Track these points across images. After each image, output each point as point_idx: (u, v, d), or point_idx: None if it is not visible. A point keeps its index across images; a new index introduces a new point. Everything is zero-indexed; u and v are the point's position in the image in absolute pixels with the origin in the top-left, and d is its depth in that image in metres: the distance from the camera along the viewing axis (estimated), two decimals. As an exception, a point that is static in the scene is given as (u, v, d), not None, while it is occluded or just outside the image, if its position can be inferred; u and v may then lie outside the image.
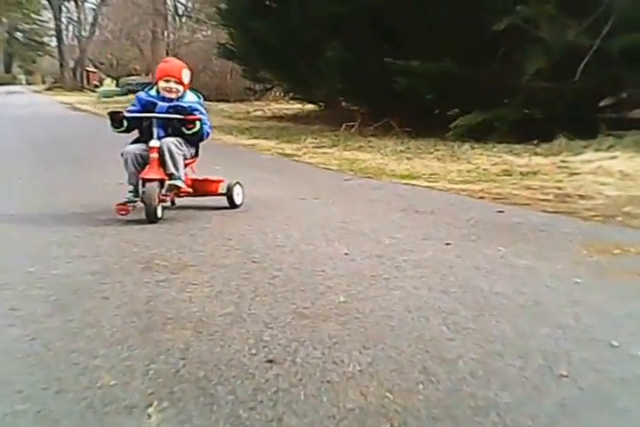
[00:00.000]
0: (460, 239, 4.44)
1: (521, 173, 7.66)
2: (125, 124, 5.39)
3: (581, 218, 5.10)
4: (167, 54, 32.25)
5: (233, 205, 5.72)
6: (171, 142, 5.23)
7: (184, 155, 5.35)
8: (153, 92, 5.50)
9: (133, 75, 39.22)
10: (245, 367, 2.48)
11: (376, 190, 6.62)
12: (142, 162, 5.25)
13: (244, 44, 17.65)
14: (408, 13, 11.49)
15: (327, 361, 2.51)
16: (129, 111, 5.44)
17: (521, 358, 2.51)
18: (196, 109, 5.38)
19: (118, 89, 34.05)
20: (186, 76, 5.48)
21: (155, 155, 5.19)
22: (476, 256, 3.99)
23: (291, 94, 20.48)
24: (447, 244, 4.31)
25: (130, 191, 5.28)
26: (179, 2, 33.93)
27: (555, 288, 3.36)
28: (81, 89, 52.83)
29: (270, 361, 2.53)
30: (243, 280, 3.58)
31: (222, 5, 18.51)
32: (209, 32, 32.46)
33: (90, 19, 57.74)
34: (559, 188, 6.53)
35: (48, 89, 57.30)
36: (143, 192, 5.11)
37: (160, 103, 5.35)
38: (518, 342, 2.67)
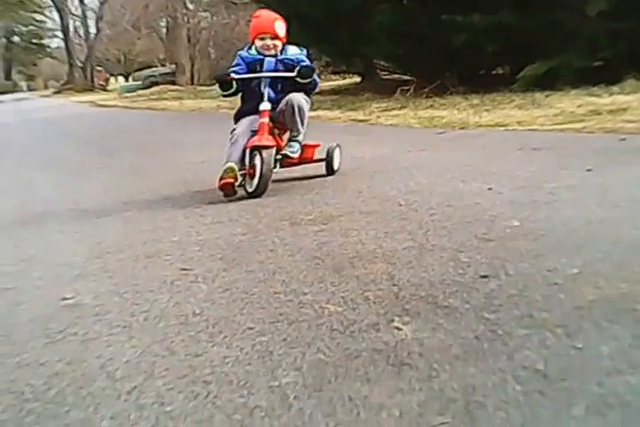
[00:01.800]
0: (599, 166, 4.63)
1: (610, 111, 7.81)
2: (234, 85, 5.26)
3: None
4: (189, 40, 32.47)
5: (331, 171, 5.62)
6: (301, 97, 5.24)
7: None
8: (253, 51, 5.38)
9: (150, 67, 39.39)
10: (463, 283, 2.69)
11: (477, 138, 6.85)
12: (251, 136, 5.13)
13: (281, 16, 17.80)
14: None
15: (540, 270, 2.72)
16: (235, 73, 5.27)
17: None
18: (303, 61, 5.31)
19: (140, 83, 34.39)
20: (280, 28, 5.36)
21: (265, 119, 5.10)
22: (628, 176, 4.20)
23: (330, 68, 20.54)
24: (588, 170, 4.51)
25: (225, 169, 4.96)
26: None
27: None
28: (92, 89, 53.01)
29: (484, 276, 2.74)
30: (402, 221, 3.80)
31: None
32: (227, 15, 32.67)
33: (93, 15, 57.92)
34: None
35: (57, 92, 57.50)
36: (262, 160, 4.92)
37: (267, 58, 5.30)
38: None
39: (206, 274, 3.27)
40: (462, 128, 7.90)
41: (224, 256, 3.55)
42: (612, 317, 2.22)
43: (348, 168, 5.83)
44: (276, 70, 5.30)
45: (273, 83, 5.30)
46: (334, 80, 22.10)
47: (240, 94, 5.46)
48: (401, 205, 4.18)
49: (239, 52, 5.52)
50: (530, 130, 7.00)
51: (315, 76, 5.33)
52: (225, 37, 32.97)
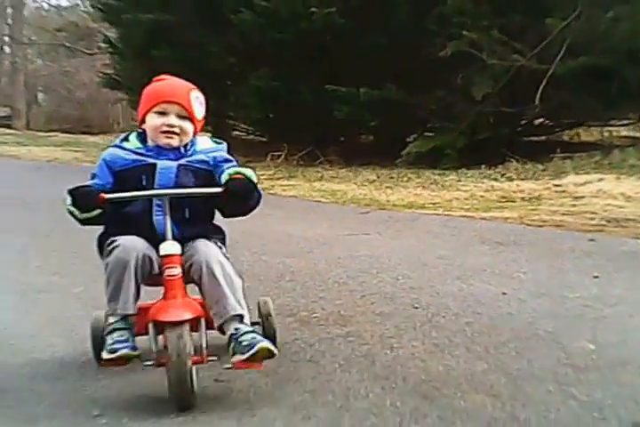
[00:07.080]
0: (600, 271, 4.26)
1: (523, 199, 7.69)
2: (102, 211, 2.73)
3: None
4: (25, 86, 30.96)
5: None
6: (218, 253, 2.74)
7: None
8: (135, 143, 2.93)
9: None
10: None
11: (413, 222, 6.37)
12: (149, 271, 2.71)
13: (138, 74, 17.06)
14: (350, 39, 11.42)
15: None
16: (100, 186, 2.80)
17: None
18: (227, 160, 2.92)
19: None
20: (197, 104, 2.95)
21: (175, 271, 2.64)
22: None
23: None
24: (595, 277, 4.14)
25: (116, 328, 2.65)
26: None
27: None
28: None
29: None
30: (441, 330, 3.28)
31: (111, 34, 17.85)
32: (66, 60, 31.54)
33: None
34: (593, 212, 6.50)
35: None
36: (164, 347, 2.52)
37: (160, 162, 2.85)
38: None
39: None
40: (382, 208, 7.45)
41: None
42: None
43: (303, 251, 5.20)
44: (179, 185, 2.81)
45: (176, 206, 2.78)
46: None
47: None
48: (416, 307, 3.64)
49: (104, 154, 2.95)
50: (465, 217, 6.60)
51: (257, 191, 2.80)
52: (67, 82, 31.83)
